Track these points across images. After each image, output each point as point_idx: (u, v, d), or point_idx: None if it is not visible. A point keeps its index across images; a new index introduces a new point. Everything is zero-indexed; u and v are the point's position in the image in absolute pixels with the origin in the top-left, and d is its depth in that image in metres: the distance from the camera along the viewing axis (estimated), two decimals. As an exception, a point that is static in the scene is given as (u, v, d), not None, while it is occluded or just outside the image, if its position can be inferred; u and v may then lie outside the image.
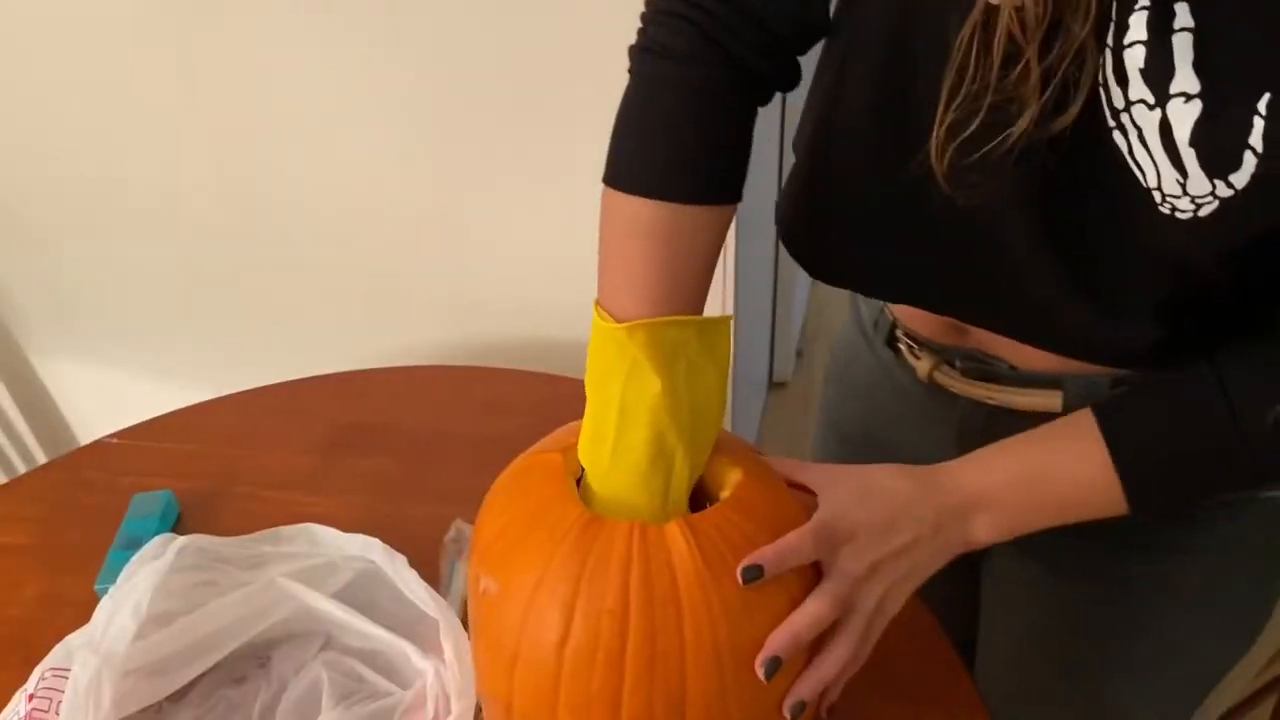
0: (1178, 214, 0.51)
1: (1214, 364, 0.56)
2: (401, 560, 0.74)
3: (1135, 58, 0.48)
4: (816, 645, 0.57)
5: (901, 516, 0.58)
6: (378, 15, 1.11)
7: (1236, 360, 0.56)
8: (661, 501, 0.58)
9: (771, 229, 0.82)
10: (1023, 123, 0.51)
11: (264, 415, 1.04)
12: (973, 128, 0.52)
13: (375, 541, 0.75)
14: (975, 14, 0.50)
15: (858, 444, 0.89)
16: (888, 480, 0.60)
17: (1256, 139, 0.46)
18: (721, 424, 0.62)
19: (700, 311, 0.62)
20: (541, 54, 1.10)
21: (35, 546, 0.90)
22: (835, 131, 0.65)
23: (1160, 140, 0.49)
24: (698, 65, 0.60)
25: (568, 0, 1.04)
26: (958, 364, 0.72)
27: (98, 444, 1.01)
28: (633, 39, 0.63)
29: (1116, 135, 0.51)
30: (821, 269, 0.73)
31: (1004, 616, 0.85)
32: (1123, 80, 0.49)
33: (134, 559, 0.73)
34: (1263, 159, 0.46)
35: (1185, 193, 0.50)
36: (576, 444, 0.61)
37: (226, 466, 0.96)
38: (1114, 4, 0.48)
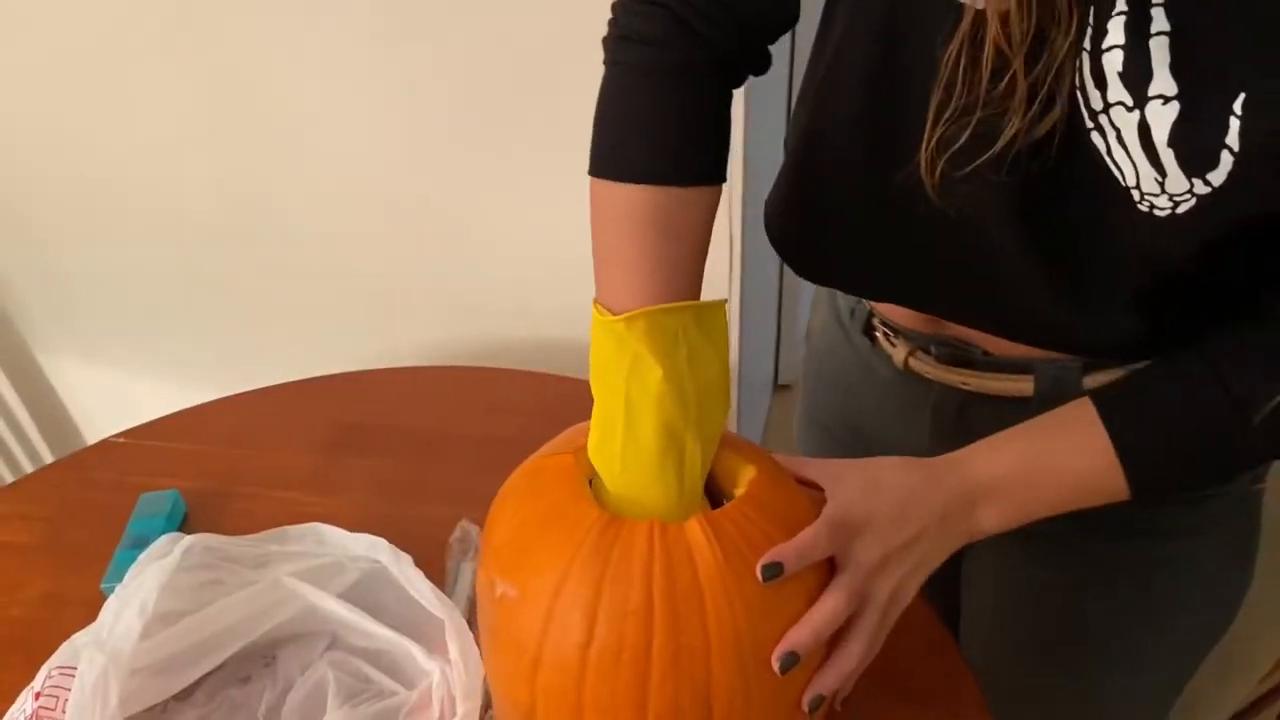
0: (1156, 212, 0.52)
1: (1205, 353, 0.57)
2: (407, 560, 0.74)
3: (1114, 61, 0.48)
4: (833, 639, 0.57)
5: (910, 507, 0.58)
6: (378, 17, 1.11)
7: (1227, 348, 0.57)
8: (677, 493, 0.58)
9: (776, 233, 0.82)
10: (1009, 132, 0.52)
11: (268, 415, 1.04)
12: (961, 141, 0.53)
13: (381, 541, 0.75)
14: (964, 26, 0.51)
15: (838, 435, 0.90)
16: (894, 472, 0.60)
17: (1233, 138, 0.47)
18: (729, 411, 0.61)
19: (697, 299, 0.62)
20: (542, 55, 1.10)
21: (41, 545, 0.91)
22: (823, 136, 0.66)
23: (1139, 141, 0.49)
24: (674, 49, 0.61)
25: (568, 1, 1.04)
26: (933, 350, 0.74)
27: (104, 443, 1.01)
28: None
29: (1094, 136, 0.52)
30: (807, 267, 0.74)
31: (983, 600, 0.86)
32: (1101, 83, 0.49)
33: (140, 558, 0.73)
34: (1239, 157, 0.47)
35: (1163, 191, 0.51)
36: (586, 445, 0.61)
37: (231, 466, 0.97)
38: (1091, 9, 0.48)
